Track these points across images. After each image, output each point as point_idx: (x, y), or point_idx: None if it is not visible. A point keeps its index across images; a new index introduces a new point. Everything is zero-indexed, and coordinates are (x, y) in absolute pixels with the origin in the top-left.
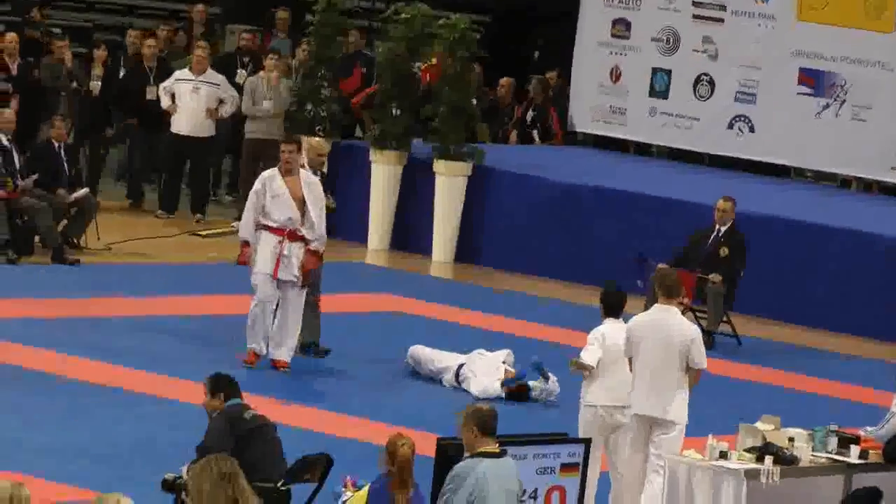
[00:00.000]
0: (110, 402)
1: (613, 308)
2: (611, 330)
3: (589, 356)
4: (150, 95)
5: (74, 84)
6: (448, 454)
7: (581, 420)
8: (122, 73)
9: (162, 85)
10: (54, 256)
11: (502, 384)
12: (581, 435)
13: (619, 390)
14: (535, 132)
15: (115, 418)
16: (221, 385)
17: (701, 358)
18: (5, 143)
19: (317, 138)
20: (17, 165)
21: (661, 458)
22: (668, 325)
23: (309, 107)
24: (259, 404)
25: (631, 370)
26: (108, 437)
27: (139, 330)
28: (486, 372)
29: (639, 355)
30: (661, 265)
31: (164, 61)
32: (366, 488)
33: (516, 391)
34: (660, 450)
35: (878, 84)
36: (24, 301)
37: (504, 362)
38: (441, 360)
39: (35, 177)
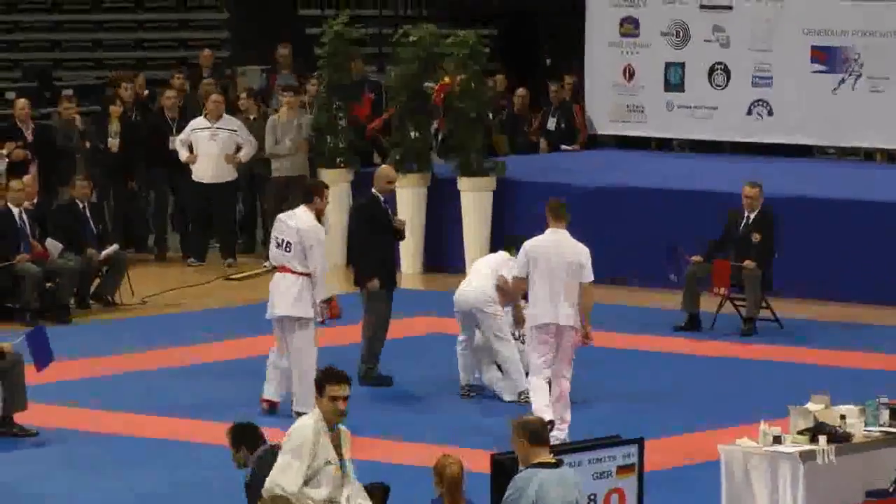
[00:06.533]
0: (165, 453)
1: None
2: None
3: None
4: (172, 146)
5: (87, 143)
6: (504, 468)
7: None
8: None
9: (178, 138)
10: (57, 318)
11: None
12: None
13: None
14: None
15: (172, 468)
16: (239, 437)
17: (590, 274)
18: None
19: (385, 166)
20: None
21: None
22: (560, 245)
23: (329, 139)
24: None
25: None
26: (165, 487)
27: (188, 379)
28: None
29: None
30: (695, 257)
31: (185, 111)
32: None
33: None
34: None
35: (893, 53)
36: (65, 363)
37: None
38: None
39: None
